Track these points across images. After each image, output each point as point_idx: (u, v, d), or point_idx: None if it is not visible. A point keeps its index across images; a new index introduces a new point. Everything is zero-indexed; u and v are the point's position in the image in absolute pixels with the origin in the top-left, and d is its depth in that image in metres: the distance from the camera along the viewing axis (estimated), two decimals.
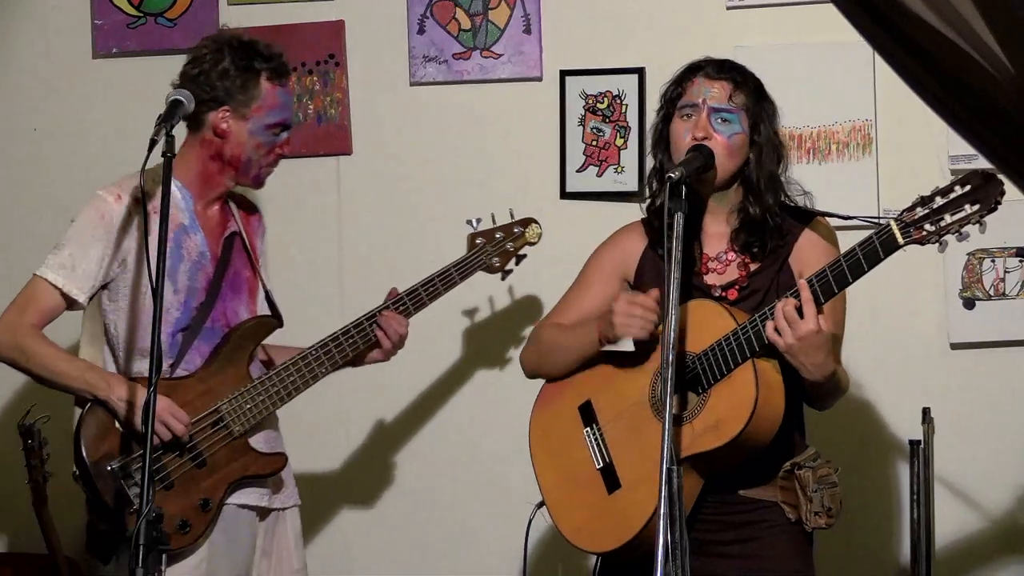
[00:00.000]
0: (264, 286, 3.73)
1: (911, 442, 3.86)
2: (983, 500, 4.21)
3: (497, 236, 3.94)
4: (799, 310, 3.13)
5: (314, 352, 3.64)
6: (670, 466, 2.88)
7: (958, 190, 3.04)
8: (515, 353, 4.32)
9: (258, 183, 3.69)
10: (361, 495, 4.58)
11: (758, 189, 3.36)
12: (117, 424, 3.45)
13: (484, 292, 4.44)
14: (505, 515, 4.34)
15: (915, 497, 3.83)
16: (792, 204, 3.42)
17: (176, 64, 4.46)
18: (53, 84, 4.71)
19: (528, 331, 3.73)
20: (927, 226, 3.05)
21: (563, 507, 3.44)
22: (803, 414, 3.41)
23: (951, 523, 4.16)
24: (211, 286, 3.60)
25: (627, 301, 3.31)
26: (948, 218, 3.03)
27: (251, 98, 3.58)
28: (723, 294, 3.36)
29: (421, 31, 4.53)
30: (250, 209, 3.81)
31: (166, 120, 3.32)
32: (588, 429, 3.42)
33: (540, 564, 4.26)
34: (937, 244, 3.06)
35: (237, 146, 3.60)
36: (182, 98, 3.39)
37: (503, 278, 3.99)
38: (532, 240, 3.97)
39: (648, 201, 3.49)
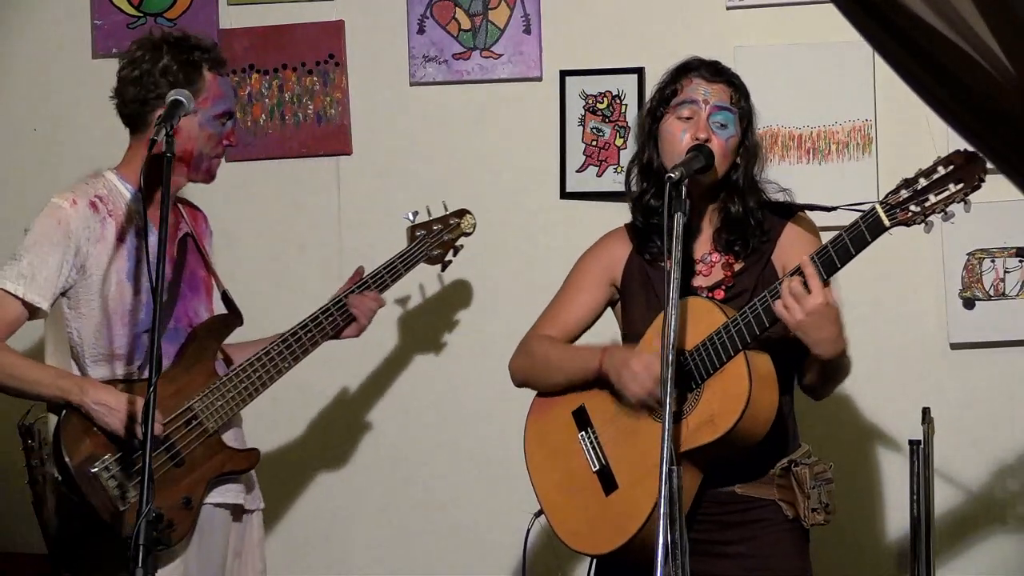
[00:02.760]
0: (220, 285, 3.72)
1: (911, 442, 3.85)
2: (983, 500, 4.21)
3: (435, 228, 4.03)
4: (804, 286, 3.11)
5: (276, 347, 3.67)
6: (670, 466, 2.88)
7: (941, 170, 3.04)
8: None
9: (209, 176, 3.66)
10: (358, 500, 4.58)
11: (741, 190, 3.37)
12: (95, 427, 3.43)
13: (487, 292, 4.44)
14: (504, 520, 4.35)
15: (915, 497, 3.82)
16: (773, 200, 3.42)
17: None
18: (53, 84, 4.71)
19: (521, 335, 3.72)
20: (912, 207, 3.05)
21: (561, 513, 3.43)
22: (794, 411, 3.41)
23: (951, 523, 4.17)
24: (171, 286, 3.58)
25: (646, 366, 3.26)
26: (932, 198, 3.03)
27: (197, 90, 3.55)
28: (710, 295, 3.36)
29: (421, 31, 4.53)
30: (196, 212, 3.80)
31: (166, 120, 3.32)
32: (583, 433, 3.42)
33: (539, 572, 4.25)
34: (923, 224, 3.06)
35: (188, 140, 3.56)
36: (182, 98, 3.40)
37: (443, 269, 4.10)
38: (467, 231, 4.08)
39: (635, 196, 3.46)
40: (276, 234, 4.62)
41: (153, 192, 3.56)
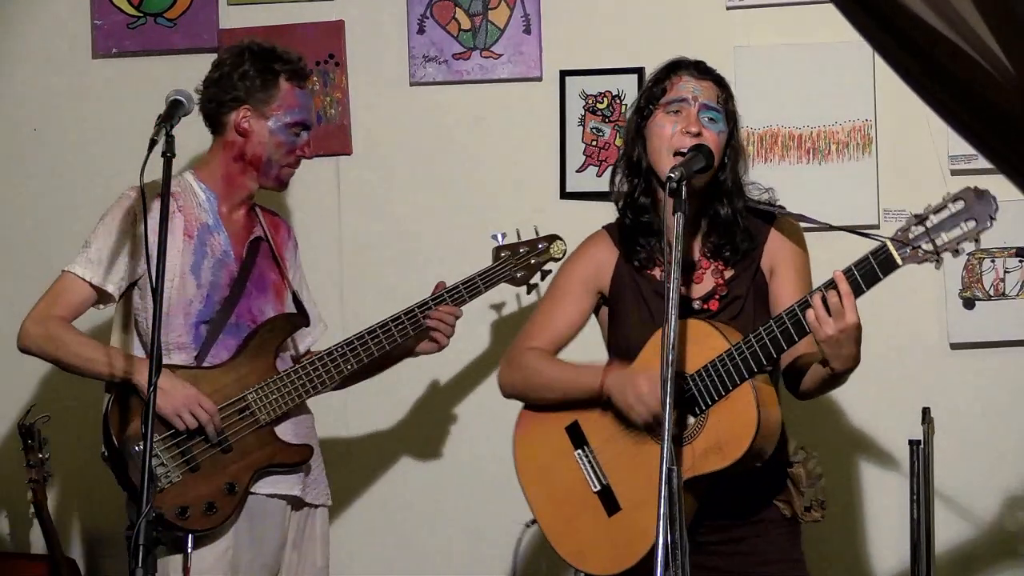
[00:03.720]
0: (292, 289, 3.83)
1: (911, 442, 3.86)
2: (983, 500, 4.21)
3: (521, 250, 4.02)
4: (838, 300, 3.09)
5: (339, 348, 3.75)
6: (670, 466, 2.87)
7: (951, 208, 3.01)
8: None
9: (280, 183, 3.80)
10: (356, 503, 4.57)
11: (729, 192, 3.36)
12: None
13: (487, 292, 4.44)
14: (496, 527, 4.35)
15: (915, 497, 3.83)
16: (757, 204, 3.40)
17: (176, 64, 4.51)
18: (53, 84, 4.70)
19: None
20: (924, 246, 3.03)
21: (561, 530, 3.41)
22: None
23: (951, 523, 4.17)
24: (235, 283, 3.70)
25: (651, 388, 3.21)
26: (944, 237, 3.02)
27: (271, 97, 3.71)
28: (704, 306, 3.35)
29: (421, 31, 4.53)
30: (278, 220, 3.92)
31: (166, 120, 3.35)
32: (579, 451, 3.39)
33: None
34: (935, 262, 3.05)
35: (258, 145, 3.71)
36: (182, 98, 3.43)
37: (529, 291, 4.10)
38: (556, 256, 4.04)
39: (624, 194, 3.44)
40: None
41: (229, 194, 3.74)
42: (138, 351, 3.68)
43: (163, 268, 3.19)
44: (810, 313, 3.10)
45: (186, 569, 3.50)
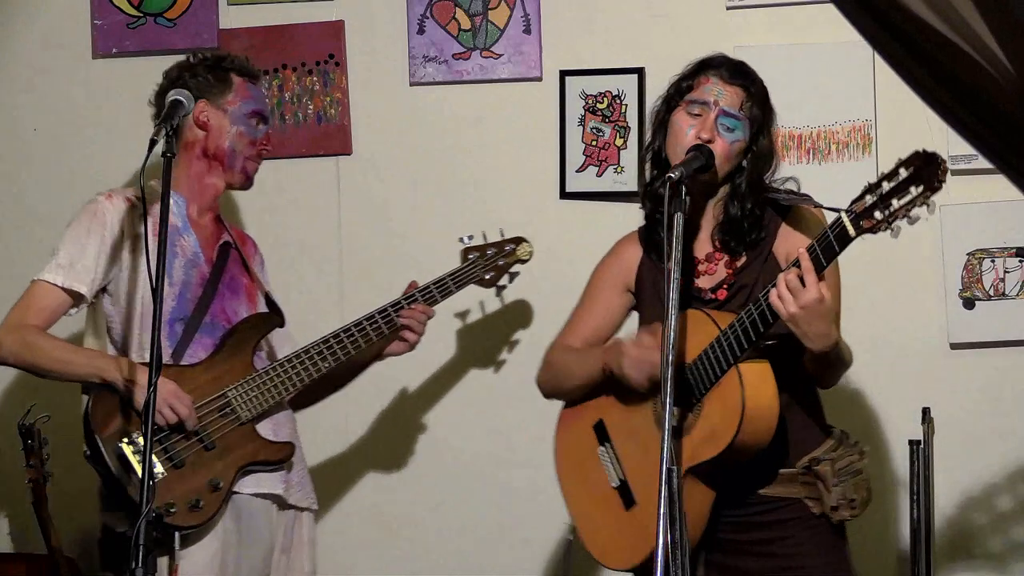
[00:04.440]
0: (264, 290, 3.83)
1: (911, 442, 3.86)
2: (983, 500, 4.21)
3: (488, 252, 4.07)
4: (800, 280, 3.10)
5: (316, 346, 3.74)
6: (670, 466, 2.88)
7: (903, 172, 2.98)
8: (523, 358, 4.32)
9: (245, 178, 3.79)
10: (368, 506, 4.57)
11: (743, 193, 3.37)
12: (125, 405, 3.54)
13: (486, 292, 4.45)
14: (519, 524, 4.35)
15: (915, 497, 3.82)
16: (773, 196, 3.41)
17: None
18: (53, 84, 4.70)
19: (534, 337, 3.72)
20: (876, 214, 3.00)
21: (589, 527, 3.48)
22: (819, 404, 3.41)
23: (951, 523, 4.17)
24: (207, 283, 3.70)
25: (641, 351, 3.29)
26: (895, 203, 2.98)
27: (225, 89, 3.73)
28: (713, 296, 3.37)
29: (421, 31, 4.53)
30: (244, 236, 3.94)
31: (166, 120, 3.37)
32: (602, 448, 3.45)
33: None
34: (889, 231, 3.01)
35: (220, 136, 3.73)
36: (182, 98, 3.46)
37: (498, 293, 4.15)
38: (523, 258, 4.10)
39: (648, 183, 3.47)
40: (276, 234, 4.62)
41: (196, 197, 3.74)
42: (113, 355, 3.66)
43: (163, 269, 3.19)
44: (772, 293, 3.12)
45: (174, 567, 3.49)
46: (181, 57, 3.89)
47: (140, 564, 2.94)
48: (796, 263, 3.11)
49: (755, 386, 3.19)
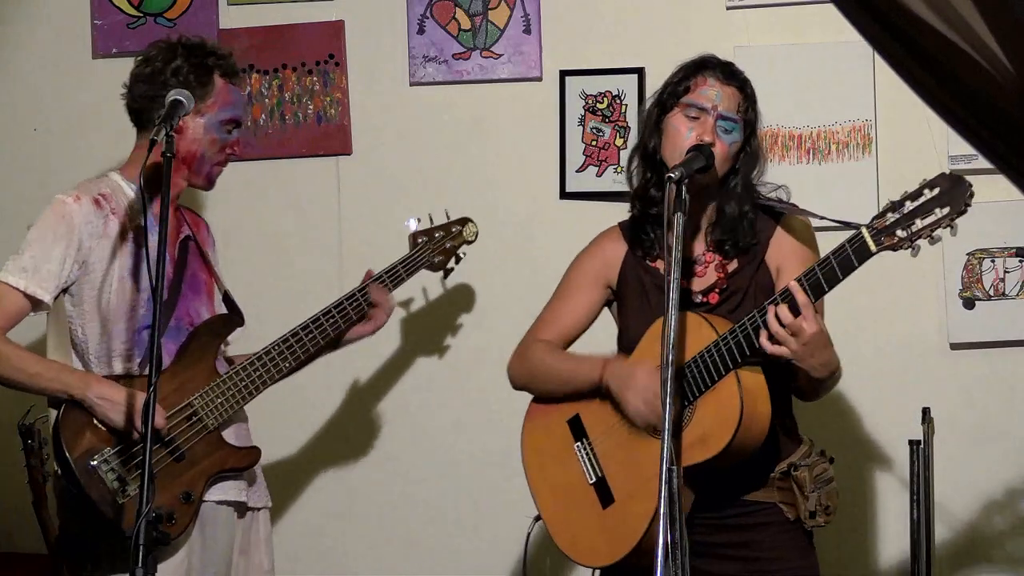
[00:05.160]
0: (222, 287, 3.75)
1: (911, 442, 3.86)
2: (983, 500, 4.21)
3: (437, 235, 4.05)
4: (792, 310, 3.09)
5: (276, 346, 3.68)
6: (670, 466, 2.88)
7: (927, 193, 3.00)
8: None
9: (209, 182, 3.69)
10: (358, 500, 4.58)
11: (739, 195, 3.36)
12: (95, 421, 3.45)
13: (486, 292, 4.45)
14: (501, 523, 4.35)
15: (915, 497, 3.82)
16: (766, 201, 3.41)
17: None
18: (53, 84, 4.71)
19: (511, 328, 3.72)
20: (899, 232, 3.02)
21: (560, 522, 3.44)
22: (792, 411, 3.41)
23: (951, 523, 4.17)
24: (172, 286, 3.61)
25: (647, 383, 3.24)
26: (919, 223, 3.00)
27: (207, 93, 3.60)
28: (704, 299, 3.36)
29: (421, 31, 4.53)
30: (198, 219, 3.83)
31: (166, 120, 3.34)
32: (578, 444, 3.42)
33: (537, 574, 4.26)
34: (910, 249, 3.04)
35: (192, 142, 3.60)
36: (182, 98, 3.41)
37: (445, 276, 4.13)
38: (469, 239, 4.09)
39: (637, 186, 3.44)
40: (276, 234, 4.62)
41: (154, 192, 3.58)
42: (76, 363, 3.57)
43: (163, 270, 3.17)
44: (763, 334, 3.11)
45: None
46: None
47: (140, 564, 2.94)
48: (785, 296, 3.10)
49: (753, 396, 3.19)
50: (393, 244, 4.54)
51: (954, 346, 4.26)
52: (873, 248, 3.05)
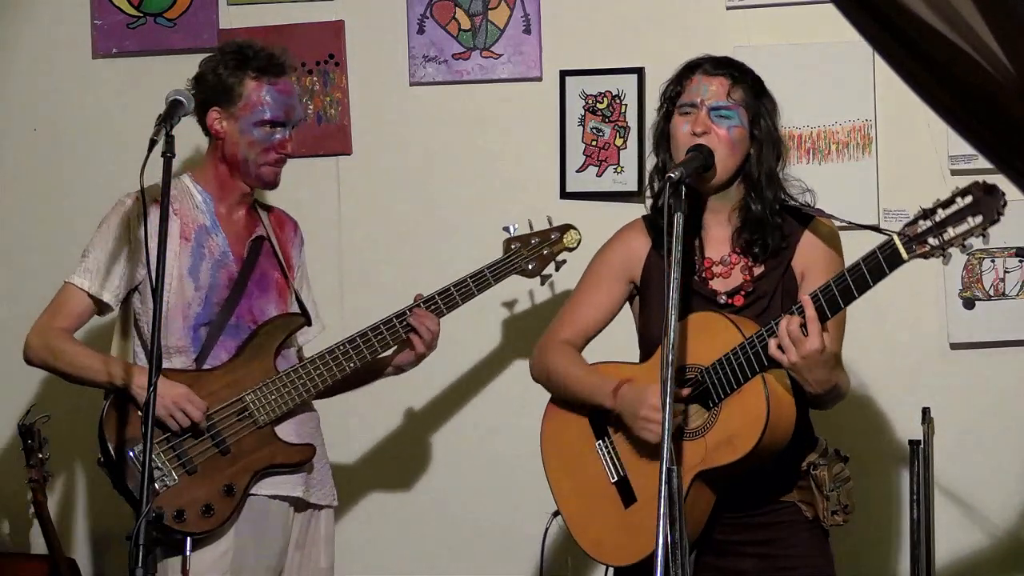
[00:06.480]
0: (295, 289, 3.82)
1: (911, 442, 3.86)
2: (983, 500, 4.21)
3: (533, 241, 3.98)
4: (803, 327, 3.11)
5: (342, 347, 3.72)
6: (670, 466, 2.88)
7: (959, 202, 2.97)
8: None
9: (263, 182, 3.77)
10: (375, 498, 4.57)
11: (760, 185, 3.35)
12: (139, 413, 3.54)
13: (486, 292, 4.44)
14: (520, 519, 4.34)
15: (915, 497, 3.82)
16: (793, 203, 3.41)
17: (176, 64, 4.50)
18: (53, 84, 4.71)
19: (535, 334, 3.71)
20: (931, 240, 3.00)
21: (581, 520, 3.44)
22: (808, 412, 3.41)
23: (951, 523, 4.16)
24: (235, 284, 3.70)
25: (657, 415, 3.23)
26: (951, 231, 2.98)
27: (236, 97, 3.70)
28: (729, 301, 3.35)
29: (421, 31, 4.53)
30: (284, 218, 3.92)
31: (166, 120, 3.36)
32: (600, 442, 3.42)
33: (556, 571, 4.25)
34: (941, 258, 3.02)
35: (232, 145, 3.72)
36: (182, 98, 3.44)
37: (542, 283, 4.04)
38: (571, 245, 4.00)
39: (651, 201, 3.48)
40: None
41: (225, 195, 3.74)
42: (140, 354, 3.69)
43: (163, 270, 3.20)
44: (772, 342, 3.13)
45: (185, 571, 3.49)
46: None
47: (140, 564, 2.94)
48: (800, 309, 3.12)
49: (779, 398, 3.20)
50: (393, 244, 4.55)
51: (954, 346, 4.26)
52: (905, 256, 3.03)
